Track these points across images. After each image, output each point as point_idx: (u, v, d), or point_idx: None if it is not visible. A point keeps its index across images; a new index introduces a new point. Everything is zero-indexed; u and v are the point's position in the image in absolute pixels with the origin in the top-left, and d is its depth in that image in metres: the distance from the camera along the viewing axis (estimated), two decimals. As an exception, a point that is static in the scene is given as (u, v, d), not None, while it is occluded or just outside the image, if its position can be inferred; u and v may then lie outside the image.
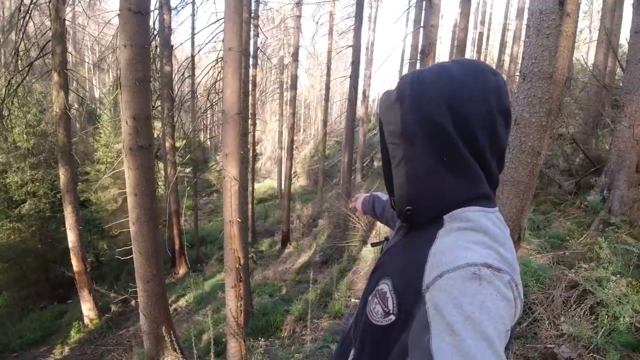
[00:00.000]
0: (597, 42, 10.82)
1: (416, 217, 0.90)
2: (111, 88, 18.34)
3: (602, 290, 3.14)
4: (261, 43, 18.00)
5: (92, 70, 28.54)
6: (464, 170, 0.84)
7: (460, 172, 0.84)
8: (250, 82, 14.83)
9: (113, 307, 11.36)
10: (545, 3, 3.64)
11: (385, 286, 0.88)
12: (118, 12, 5.11)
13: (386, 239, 1.10)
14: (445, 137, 0.82)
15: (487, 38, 29.94)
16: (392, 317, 0.84)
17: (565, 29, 3.58)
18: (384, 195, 1.67)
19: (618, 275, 3.32)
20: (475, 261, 0.71)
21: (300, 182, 28.44)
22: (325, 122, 19.19)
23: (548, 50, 3.60)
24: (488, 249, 0.76)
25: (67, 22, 9.57)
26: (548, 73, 3.61)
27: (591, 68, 10.50)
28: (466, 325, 0.65)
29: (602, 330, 2.91)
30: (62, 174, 9.24)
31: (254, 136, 18.40)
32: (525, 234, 4.81)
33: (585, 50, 24.92)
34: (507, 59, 24.23)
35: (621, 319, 2.94)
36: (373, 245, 1.23)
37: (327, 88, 19.22)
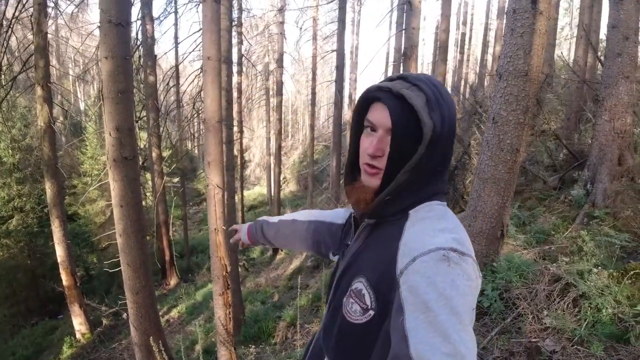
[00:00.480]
0: (577, 38, 10.98)
1: (390, 209, 0.93)
2: (95, 100, 18.26)
3: (584, 283, 3.18)
4: (245, 50, 18.03)
5: (76, 83, 28.33)
6: (445, 173, 0.95)
7: (443, 175, 0.95)
8: (236, 89, 14.87)
9: (104, 321, 11.26)
10: (518, 2, 3.71)
11: (359, 284, 0.90)
12: (99, 24, 5.10)
13: (345, 245, 1.13)
14: (452, 146, 0.92)
15: (470, 38, 30.17)
16: (372, 312, 0.87)
17: (539, 27, 3.64)
18: (270, 218, 1.62)
19: (600, 268, 3.37)
20: (443, 245, 0.79)
21: (290, 187, 28.43)
22: (312, 127, 19.22)
23: (523, 48, 3.67)
24: (451, 234, 0.83)
25: (49, 35, 9.53)
26: (523, 71, 3.66)
27: (572, 64, 10.65)
28: (439, 301, 0.71)
29: (586, 323, 2.95)
30: (49, 188, 9.16)
31: (241, 143, 18.39)
32: (509, 230, 4.86)
33: (567, 47, 25.25)
34: (489, 58, 24.47)
35: (604, 310, 2.98)
36: (334, 254, 1.25)
37: (313, 93, 19.27)
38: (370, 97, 0.94)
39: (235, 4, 12.76)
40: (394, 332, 0.75)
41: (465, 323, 0.71)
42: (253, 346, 5.49)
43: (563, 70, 13.49)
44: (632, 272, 3.11)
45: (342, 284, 0.98)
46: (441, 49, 11.34)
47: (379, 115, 0.90)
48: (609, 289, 3.09)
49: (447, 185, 0.97)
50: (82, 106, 28.37)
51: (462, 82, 25.98)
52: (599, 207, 5.39)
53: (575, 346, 2.81)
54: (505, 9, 4.17)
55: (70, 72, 26.51)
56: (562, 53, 17.08)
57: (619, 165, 5.72)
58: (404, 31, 8.76)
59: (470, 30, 30.17)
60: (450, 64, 27.34)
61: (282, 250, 15.14)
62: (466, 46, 28.18)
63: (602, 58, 7.40)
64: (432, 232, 0.83)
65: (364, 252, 0.98)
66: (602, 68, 6.68)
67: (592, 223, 4.91)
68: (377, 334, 0.85)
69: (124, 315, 10.95)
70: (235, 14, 13.09)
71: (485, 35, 26.81)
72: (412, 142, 0.86)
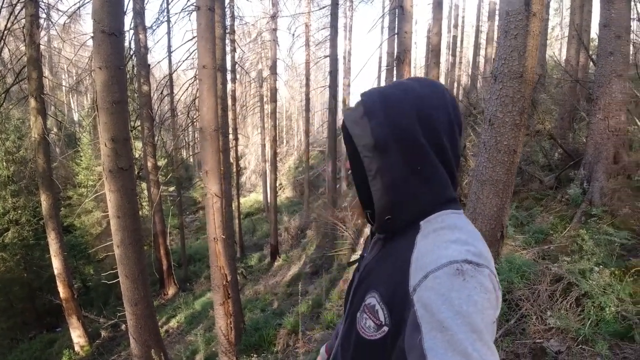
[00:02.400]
0: (568, 38, 11.05)
1: (395, 225, 0.92)
2: (89, 110, 18.18)
3: (586, 282, 3.18)
4: (239, 58, 18.06)
5: (70, 94, 28.24)
6: (435, 177, 0.90)
7: (431, 179, 0.90)
8: (230, 97, 14.87)
9: (103, 333, 11.19)
10: (511, 4, 3.72)
11: (372, 299, 0.88)
12: (92, 34, 5.08)
13: (361, 256, 1.11)
14: (417, 147, 0.87)
15: (461, 41, 30.32)
16: (386, 329, 0.84)
17: (532, 29, 3.66)
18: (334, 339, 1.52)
19: (601, 266, 3.37)
20: (456, 258, 0.75)
21: (286, 193, 28.39)
22: (307, 133, 19.23)
23: (517, 50, 3.68)
24: (465, 246, 0.79)
25: (42, 47, 9.50)
26: (518, 73, 3.67)
27: (564, 64, 10.72)
28: (456, 320, 0.68)
29: (589, 322, 2.94)
30: (44, 200, 9.11)
31: (236, 151, 18.38)
32: (508, 231, 4.87)
33: (558, 47, 25.43)
34: (481, 60, 24.60)
35: (607, 309, 2.98)
36: (349, 264, 1.24)
37: (307, 99, 19.30)
38: None
39: (227, 11, 12.79)
40: (412, 351, 0.73)
41: (485, 339, 0.68)
42: (255, 355, 5.46)
43: (555, 70, 13.57)
44: (633, 270, 3.12)
45: (357, 298, 0.97)
46: (433, 53, 11.39)
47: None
48: (611, 287, 3.09)
49: (452, 191, 0.93)
50: (75, 117, 28.32)
51: (455, 85, 26.09)
52: (596, 205, 5.41)
53: (580, 346, 2.80)
54: (497, 11, 4.18)
55: (64, 83, 26.40)
56: (553, 53, 17.20)
57: (614, 163, 5.74)
58: (396, 35, 8.79)
59: (462, 33, 30.35)
60: (443, 66, 27.42)
61: (279, 257, 15.10)
62: (458, 49, 28.31)
63: (594, 57, 7.45)
64: (445, 245, 0.80)
65: (377, 265, 0.96)
66: (595, 67, 6.72)
67: (590, 221, 4.93)
68: (391, 350, 0.83)
69: (123, 327, 10.88)
70: (228, 22, 13.12)
71: (477, 37, 26.97)
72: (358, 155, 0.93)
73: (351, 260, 1.26)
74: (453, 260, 0.75)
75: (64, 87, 25.04)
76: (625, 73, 5.57)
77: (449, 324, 0.68)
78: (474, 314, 0.69)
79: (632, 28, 6.06)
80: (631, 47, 5.60)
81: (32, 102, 8.71)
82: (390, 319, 0.84)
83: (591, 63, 9.36)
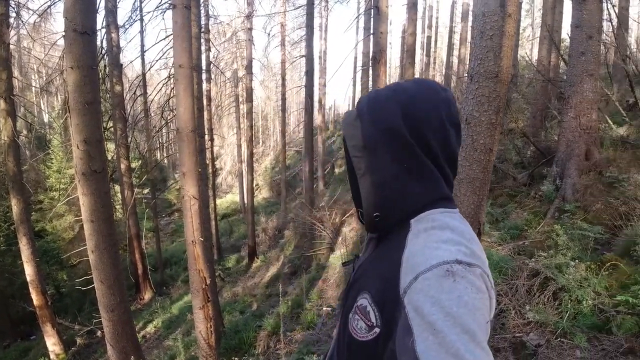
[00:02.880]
0: (540, 38, 11.32)
1: (383, 223, 0.92)
2: (60, 112, 17.71)
3: (562, 276, 3.25)
4: (213, 57, 17.86)
5: (40, 94, 27.53)
6: (424, 175, 0.90)
7: (420, 177, 0.89)
8: (205, 97, 14.70)
9: (79, 340, 10.95)
10: (487, 6, 3.77)
11: (364, 300, 0.88)
12: (63, 33, 4.94)
13: (356, 256, 1.11)
14: (404, 145, 0.88)
15: (435, 42, 30.74)
16: (377, 330, 0.83)
17: (508, 30, 3.72)
18: None
19: (577, 260, 3.45)
20: (446, 259, 0.74)
21: (262, 194, 28.24)
22: (283, 133, 19.18)
23: (492, 50, 3.73)
24: (457, 246, 0.78)
25: (11, 46, 9.21)
26: (494, 72, 3.73)
27: (536, 64, 10.96)
28: (446, 322, 0.67)
29: (567, 315, 3.01)
30: (15, 205, 8.84)
31: (212, 151, 18.20)
32: (484, 228, 4.94)
33: (529, 47, 25.96)
34: (455, 60, 24.96)
35: (584, 302, 3.05)
36: (344, 264, 1.23)
37: (283, 99, 19.24)
38: None
39: (202, 10, 12.63)
40: (404, 354, 0.71)
41: (478, 340, 0.67)
42: (236, 358, 5.40)
43: (527, 70, 13.87)
44: (608, 264, 3.20)
45: (350, 299, 0.96)
46: (408, 53, 11.50)
47: None
48: (587, 281, 3.17)
49: (444, 189, 0.92)
50: (46, 118, 27.57)
51: (430, 84, 26.37)
52: (569, 201, 5.54)
53: (559, 339, 2.86)
54: (470, 12, 4.24)
55: (34, 84, 25.72)
56: (525, 53, 17.55)
57: (586, 160, 5.90)
58: (372, 36, 8.82)
59: (436, 33, 30.74)
60: (418, 66, 27.74)
61: (257, 258, 15.03)
62: (432, 49, 28.69)
63: (565, 57, 7.63)
64: (435, 245, 0.79)
65: (370, 266, 0.96)
66: (567, 67, 6.88)
67: (564, 217, 5.04)
68: (383, 352, 0.82)
69: (99, 334, 10.65)
70: (202, 21, 12.96)
71: (450, 37, 27.34)
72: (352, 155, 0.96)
73: (347, 260, 1.23)
74: (443, 261, 0.74)
75: (33, 88, 24.41)
76: (597, 72, 5.72)
77: (440, 326, 0.67)
78: (464, 315, 0.68)
79: (602, 28, 6.22)
80: (602, 47, 5.75)
81: (2, 104, 8.43)
82: (381, 320, 0.83)
83: (562, 63, 9.60)
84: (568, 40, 6.56)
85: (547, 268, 3.41)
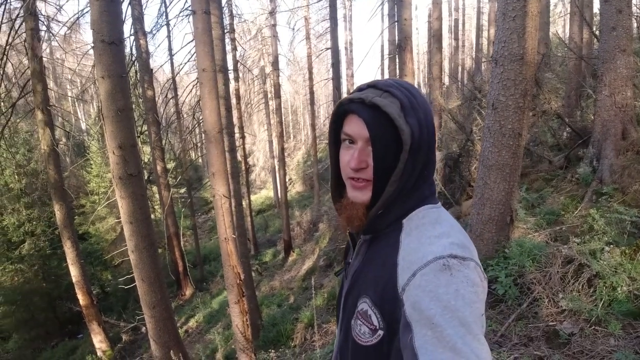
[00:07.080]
0: (570, 14, 10.91)
1: (383, 222, 0.92)
2: (96, 119, 18.33)
3: (597, 262, 3.17)
4: (240, 56, 18.07)
5: (76, 103, 28.47)
6: (430, 176, 0.92)
7: (428, 178, 0.92)
8: (234, 95, 14.90)
9: (124, 337, 11.35)
10: (508, -13, 3.69)
11: (364, 305, 0.88)
12: (92, 44, 5.11)
13: (347, 263, 1.09)
14: (433, 150, 0.90)
15: (463, 24, 30.05)
16: (381, 332, 0.85)
17: (531, 10, 3.63)
18: None
19: (612, 245, 3.35)
20: (441, 254, 0.77)
21: (296, 188, 28.40)
22: (313, 126, 19.22)
23: (516, 32, 3.65)
24: (449, 239, 0.81)
25: (45, 59, 9.57)
26: (519, 55, 3.65)
27: (567, 41, 10.58)
28: (445, 315, 0.69)
29: (602, 302, 2.94)
30: (58, 210, 9.23)
31: (244, 149, 18.42)
32: (519, 214, 4.85)
33: (562, 24, 25.06)
34: (485, 42, 24.34)
35: (619, 288, 2.97)
36: (337, 274, 1.21)
37: (312, 92, 19.26)
38: (342, 111, 0.92)
39: (226, 11, 12.78)
40: (405, 351, 0.74)
41: (474, 332, 0.69)
42: (273, 351, 5.50)
43: (559, 48, 13.41)
44: (644, 248, 3.10)
45: (349, 305, 0.97)
46: (435, 38, 11.33)
47: (356, 127, 0.88)
48: (622, 267, 3.08)
49: (434, 186, 0.94)
50: (83, 126, 28.56)
51: (460, 69, 25.88)
52: (606, 183, 5.36)
53: (593, 327, 2.80)
54: (496, -7, 4.15)
55: (69, 93, 26.61)
56: (557, 31, 16.97)
57: (623, 140, 5.68)
58: (396, 23, 8.72)
59: (463, 15, 30.07)
60: (446, 51, 27.19)
61: (293, 252, 15.17)
62: (460, 32, 28.06)
63: (597, 33, 7.35)
64: (429, 240, 0.81)
65: (364, 269, 0.95)
66: (598, 43, 6.63)
67: (601, 200, 4.89)
68: (389, 353, 0.84)
69: (143, 330, 11.04)
70: (227, 21, 13.12)
71: (479, 19, 26.69)
72: (393, 150, 0.85)
73: (338, 269, 1.23)
74: (439, 256, 0.76)
75: (69, 97, 25.26)
76: (629, 48, 5.49)
77: (438, 320, 0.69)
78: (462, 307, 0.70)
79: (633, 1, 5.97)
80: (634, 21, 5.51)
81: (39, 115, 8.80)
82: (383, 322, 0.84)
83: (595, 39, 9.25)
84: (599, 15, 6.31)
85: (581, 254, 3.33)
